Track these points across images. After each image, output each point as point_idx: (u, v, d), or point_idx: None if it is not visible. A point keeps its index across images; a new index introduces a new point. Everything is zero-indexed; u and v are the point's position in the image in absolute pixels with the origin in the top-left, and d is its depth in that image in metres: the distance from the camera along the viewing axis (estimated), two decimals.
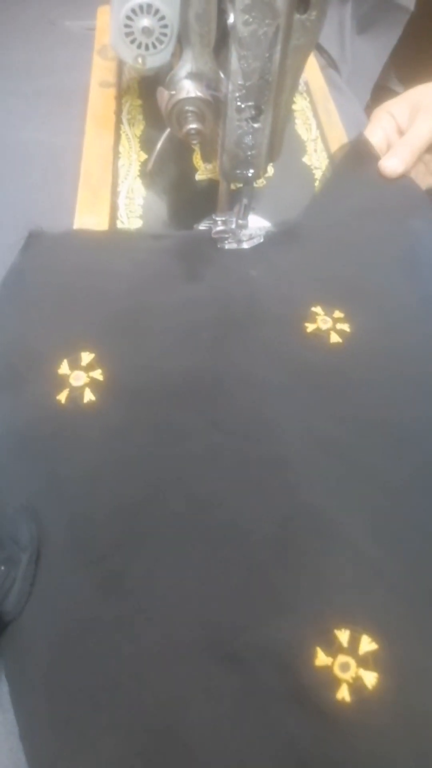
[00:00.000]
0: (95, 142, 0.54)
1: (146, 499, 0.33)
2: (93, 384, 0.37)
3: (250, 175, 0.42)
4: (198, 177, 0.52)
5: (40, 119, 0.66)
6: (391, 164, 0.48)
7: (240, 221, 0.46)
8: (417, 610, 0.29)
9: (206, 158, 0.42)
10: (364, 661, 0.27)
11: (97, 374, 0.37)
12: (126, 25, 0.49)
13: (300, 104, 0.59)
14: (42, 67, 0.74)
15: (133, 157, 0.53)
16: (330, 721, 0.26)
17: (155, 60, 0.51)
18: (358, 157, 0.50)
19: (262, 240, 0.47)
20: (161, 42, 0.50)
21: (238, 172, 0.42)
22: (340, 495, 0.33)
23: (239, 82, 0.37)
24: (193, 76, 0.37)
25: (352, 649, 0.27)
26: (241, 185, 0.44)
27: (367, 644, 0.27)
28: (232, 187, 0.45)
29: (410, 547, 0.31)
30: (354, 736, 0.26)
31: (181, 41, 0.37)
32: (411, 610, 0.29)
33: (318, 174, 0.54)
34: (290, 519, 0.32)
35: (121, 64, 0.61)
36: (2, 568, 0.33)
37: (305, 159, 0.55)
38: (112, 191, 0.51)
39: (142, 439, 0.35)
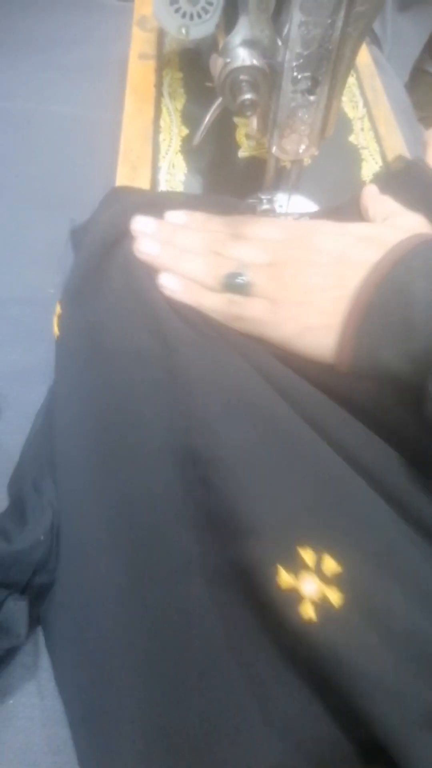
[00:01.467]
0: (135, 116, 0.52)
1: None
2: None
3: (301, 151, 0.40)
4: (241, 154, 0.51)
5: (75, 93, 0.65)
6: None
7: (287, 200, 0.44)
8: (379, 536, 0.28)
9: (256, 132, 0.41)
10: (329, 579, 0.27)
11: None
12: None
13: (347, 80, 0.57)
14: (75, 39, 0.73)
15: (174, 132, 0.51)
16: (294, 639, 0.26)
17: (199, 30, 0.49)
18: (413, 179, 0.46)
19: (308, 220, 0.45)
20: (206, 11, 0.48)
21: (288, 147, 0.40)
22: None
23: (297, 51, 0.35)
24: (249, 43, 0.35)
25: (317, 567, 0.27)
26: (289, 162, 0.42)
27: (331, 565, 0.27)
28: (281, 164, 0.43)
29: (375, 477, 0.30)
30: (322, 660, 0.26)
31: (238, 6, 0.35)
32: (374, 536, 0.28)
33: (365, 154, 0.52)
34: None
35: (161, 36, 0.59)
36: (42, 538, 0.32)
37: (352, 138, 0.53)
38: (152, 167, 0.49)
39: None
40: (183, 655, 0.28)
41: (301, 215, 0.45)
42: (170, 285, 0.37)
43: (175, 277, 0.37)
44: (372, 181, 0.44)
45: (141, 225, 0.39)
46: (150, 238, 0.38)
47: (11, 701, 0.32)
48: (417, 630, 0.26)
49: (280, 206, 0.44)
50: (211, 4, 0.48)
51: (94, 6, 0.77)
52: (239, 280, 0.35)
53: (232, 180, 0.49)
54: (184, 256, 0.37)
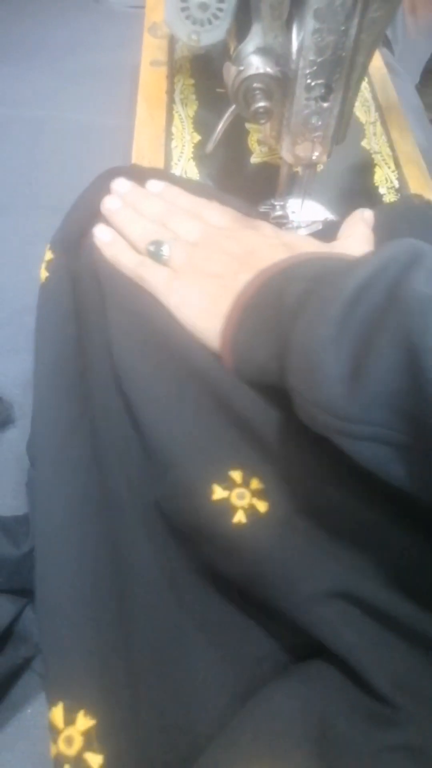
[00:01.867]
0: (147, 123, 0.52)
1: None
2: None
3: (314, 158, 0.40)
4: (253, 160, 0.51)
5: (86, 100, 0.65)
6: None
7: (299, 206, 0.44)
8: (299, 458, 0.31)
9: (269, 139, 0.40)
10: (255, 493, 0.30)
11: None
12: (182, 1, 0.47)
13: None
14: (86, 46, 0.73)
15: (186, 138, 0.51)
16: (228, 541, 0.29)
17: (210, 37, 0.49)
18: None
19: (320, 227, 0.45)
20: (217, 18, 0.48)
21: (301, 154, 0.40)
22: None
23: (311, 58, 0.35)
24: (262, 51, 0.35)
25: (246, 485, 0.31)
26: (301, 168, 0.42)
27: (257, 484, 0.31)
28: (293, 170, 0.43)
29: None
30: (250, 553, 0.29)
31: (251, 14, 0.35)
32: (295, 459, 0.31)
33: (377, 159, 0.51)
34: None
35: (172, 43, 0.59)
36: None
37: (364, 143, 0.52)
38: None
39: None
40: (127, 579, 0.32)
41: (313, 223, 0.45)
42: (101, 236, 0.40)
43: (110, 231, 0.40)
44: (378, 209, 0.42)
45: (117, 185, 0.43)
46: (117, 196, 0.42)
47: (29, 710, 0.32)
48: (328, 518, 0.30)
49: (293, 212, 0.44)
50: (221, 10, 0.48)
51: (105, 13, 0.78)
52: (160, 250, 0.38)
53: (244, 186, 0.49)
54: (132, 219, 0.41)
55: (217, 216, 0.41)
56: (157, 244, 0.38)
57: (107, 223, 0.41)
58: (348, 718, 0.26)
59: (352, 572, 0.29)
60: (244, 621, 0.31)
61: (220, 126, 0.40)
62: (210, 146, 0.41)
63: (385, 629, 0.28)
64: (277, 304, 0.30)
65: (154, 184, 0.43)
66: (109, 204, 0.42)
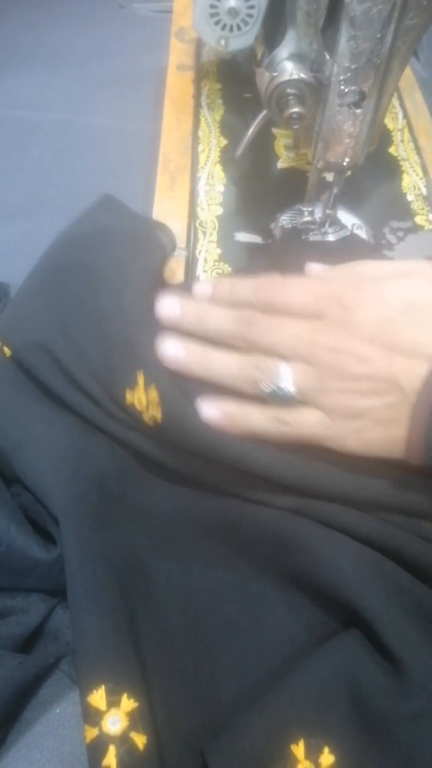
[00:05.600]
0: (173, 127, 0.53)
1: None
2: None
3: (345, 164, 0.40)
4: (280, 165, 0.51)
5: (112, 104, 0.65)
6: None
7: (328, 212, 0.44)
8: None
9: (299, 144, 0.41)
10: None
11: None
12: (212, 6, 0.48)
13: None
14: (112, 51, 0.74)
15: (212, 143, 0.52)
16: None
17: (238, 42, 0.49)
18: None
19: (348, 233, 0.45)
20: (246, 23, 0.49)
21: (333, 160, 0.40)
22: None
23: (345, 65, 0.35)
24: (296, 56, 0.35)
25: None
26: (332, 174, 0.42)
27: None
28: (322, 175, 0.43)
29: None
30: None
31: (285, 20, 0.35)
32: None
33: (405, 165, 0.51)
34: None
35: (199, 47, 0.60)
36: None
37: (392, 150, 0.53)
38: (191, 177, 0.49)
39: None
40: None
41: (341, 229, 0.45)
42: (212, 416, 0.32)
43: (216, 407, 0.32)
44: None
45: (165, 310, 0.34)
46: (174, 334, 0.34)
47: (57, 710, 0.32)
48: None
49: (321, 218, 0.44)
50: (251, 16, 0.48)
51: (130, 18, 0.78)
52: (282, 393, 0.31)
53: (270, 191, 0.49)
54: (214, 359, 0.33)
55: (301, 296, 0.32)
56: (274, 383, 0.30)
57: (181, 372, 0.33)
58: (375, 686, 0.29)
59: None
60: (276, 596, 0.33)
61: (251, 130, 0.40)
62: (240, 150, 0.41)
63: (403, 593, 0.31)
64: None
65: (201, 288, 0.36)
66: (171, 353, 0.33)
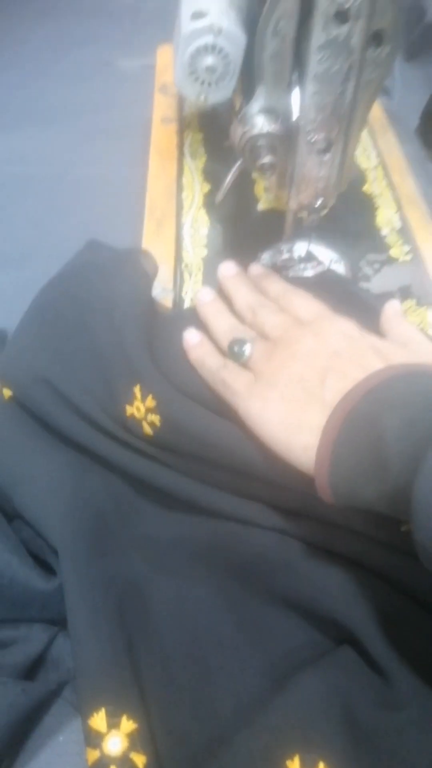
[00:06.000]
0: (159, 176, 0.56)
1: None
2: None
3: (317, 205, 0.43)
4: (260, 207, 0.54)
5: (101, 156, 0.69)
6: None
7: (305, 250, 0.47)
8: None
9: (275, 189, 0.43)
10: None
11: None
12: (190, 64, 0.51)
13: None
14: (100, 106, 0.78)
15: (196, 189, 0.55)
16: None
17: (217, 96, 0.53)
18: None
19: (325, 269, 0.47)
20: (223, 79, 0.52)
21: (306, 202, 0.42)
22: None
23: (311, 116, 0.38)
24: (266, 111, 0.38)
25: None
26: (306, 215, 0.45)
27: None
28: (298, 216, 0.46)
29: None
30: None
31: (255, 78, 0.38)
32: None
33: (379, 201, 0.54)
34: None
35: (181, 101, 0.64)
36: None
37: (366, 187, 0.56)
38: (176, 222, 0.52)
39: None
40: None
41: (318, 264, 0.48)
42: (188, 339, 0.40)
43: (198, 335, 0.40)
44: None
45: (223, 268, 0.44)
46: (219, 281, 0.43)
47: (61, 738, 0.33)
48: None
49: (299, 255, 0.47)
50: (228, 72, 0.51)
51: (117, 75, 0.83)
52: (242, 350, 0.37)
53: (252, 232, 0.52)
54: (219, 313, 0.41)
55: (305, 307, 0.39)
56: (240, 343, 0.37)
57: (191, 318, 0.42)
58: (366, 700, 0.30)
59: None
60: (270, 616, 0.34)
61: (229, 178, 0.43)
62: (219, 196, 0.44)
63: (388, 608, 0.32)
64: (373, 436, 0.28)
65: (255, 267, 0.44)
66: (202, 295, 0.42)
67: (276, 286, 0.42)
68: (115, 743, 0.29)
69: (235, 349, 0.37)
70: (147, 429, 0.36)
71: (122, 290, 0.42)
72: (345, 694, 0.30)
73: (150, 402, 0.36)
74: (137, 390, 0.37)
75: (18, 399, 0.41)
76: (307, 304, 0.39)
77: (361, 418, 0.29)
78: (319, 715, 0.30)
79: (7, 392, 0.41)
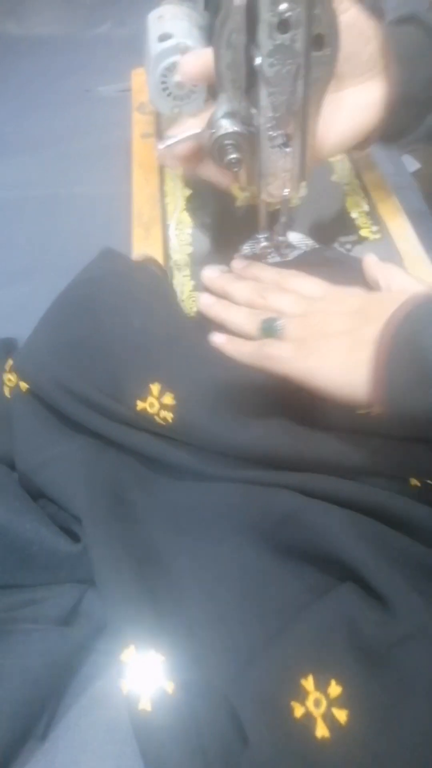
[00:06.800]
0: (143, 186, 0.61)
1: None
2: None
3: (285, 194, 0.47)
4: (238, 204, 0.58)
5: (89, 175, 0.74)
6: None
7: (281, 237, 0.51)
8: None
9: (244, 184, 0.48)
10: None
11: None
12: (162, 82, 0.56)
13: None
14: (83, 129, 0.83)
15: (177, 194, 0.59)
16: None
17: (189, 108, 0.58)
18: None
19: (303, 250, 0.52)
20: (194, 92, 0.57)
21: (274, 192, 0.47)
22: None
23: (269, 115, 0.42)
24: (229, 114, 0.43)
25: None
26: (278, 204, 0.49)
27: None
28: (270, 207, 0.50)
29: None
30: None
31: (216, 87, 0.43)
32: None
33: (347, 189, 0.59)
34: None
35: (158, 116, 0.69)
36: None
37: (334, 177, 0.60)
38: (162, 225, 0.57)
39: None
40: None
41: (296, 249, 0.52)
42: (217, 340, 0.41)
43: (222, 334, 0.42)
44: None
45: (205, 278, 0.49)
46: (208, 289, 0.48)
47: (99, 683, 0.37)
48: None
49: (276, 241, 0.51)
50: (196, 86, 0.57)
51: (97, 100, 0.88)
52: (275, 325, 0.40)
53: (233, 227, 0.56)
54: (230, 309, 0.45)
55: (308, 285, 0.45)
56: (269, 321, 0.41)
57: (207, 318, 0.46)
58: (369, 621, 0.34)
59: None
60: (278, 565, 0.39)
61: (181, 137, 0.45)
62: (163, 144, 0.46)
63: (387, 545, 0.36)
64: (417, 350, 0.32)
65: (237, 262, 0.49)
66: (203, 300, 0.47)
67: (267, 272, 0.47)
68: (145, 671, 0.33)
69: (266, 326, 0.41)
70: (159, 421, 0.41)
71: (140, 294, 0.47)
72: (350, 619, 0.34)
73: (168, 399, 0.40)
74: (154, 388, 0.41)
75: (34, 392, 0.45)
76: (308, 282, 0.45)
77: (406, 337, 0.33)
78: (329, 638, 0.34)
79: (24, 385, 0.46)
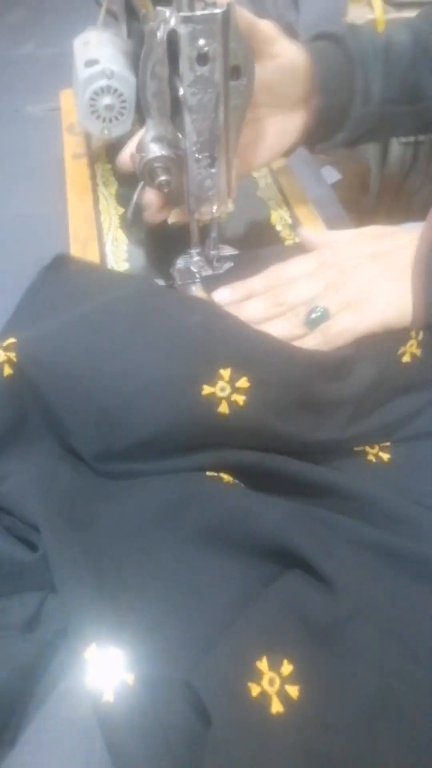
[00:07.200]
0: (77, 206, 0.63)
1: None
2: None
3: (213, 211, 0.50)
4: (170, 221, 0.61)
5: (22, 195, 0.75)
6: None
7: (212, 251, 0.54)
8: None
9: (175, 203, 0.51)
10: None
11: None
12: (91, 105, 0.59)
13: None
14: (14, 149, 0.84)
15: (112, 212, 0.62)
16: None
17: (118, 129, 0.60)
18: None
19: (232, 264, 0.55)
20: (122, 114, 0.60)
21: (203, 210, 0.50)
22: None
23: (194, 139, 0.45)
24: (157, 139, 0.46)
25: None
26: (207, 221, 0.53)
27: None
28: (200, 224, 0.53)
29: None
30: None
31: (143, 114, 0.46)
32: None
33: (272, 203, 0.63)
34: None
35: (88, 137, 0.71)
36: None
37: (259, 192, 0.64)
38: (98, 243, 0.59)
39: None
40: None
41: (226, 262, 0.55)
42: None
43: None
44: None
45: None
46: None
47: (63, 686, 0.38)
48: None
49: (207, 256, 0.55)
50: (125, 108, 0.59)
51: (27, 119, 0.89)
52: (317, 312, 0.43)
53: (165, 243, 0.59)
54: (276, 324, 0.46)
55: (294, 268, 0.48)
56: (309, 313, 0.44)
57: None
58: (315, 604, 0.36)
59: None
60: (228, 560, 0.41)
61: (135, 197, 0.50)
62: (129, 214, 0.51)
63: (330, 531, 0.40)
64: None
65: (220, 294, 0.50)
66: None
67: (257, 283, 0.49)
68: (106, 666, 0.35)
69: (315, 317, 0.43)
70: (221, 409, 0.41)
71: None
72: (298, 603, 0.37)
73: (243, 383, 0.41)
74: (225, 372, 0.41)
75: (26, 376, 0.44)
76: (297, 264, 0.48)
77: None
78: (279, 622, 0.37)
79: (7, 370, 0.44)
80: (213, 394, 0.41)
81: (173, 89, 0.44)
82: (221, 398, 0.41)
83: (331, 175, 1.09)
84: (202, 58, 0.41)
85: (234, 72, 0.43)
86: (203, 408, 0.41)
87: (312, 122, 0.52)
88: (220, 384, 0.41)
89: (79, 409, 0.42)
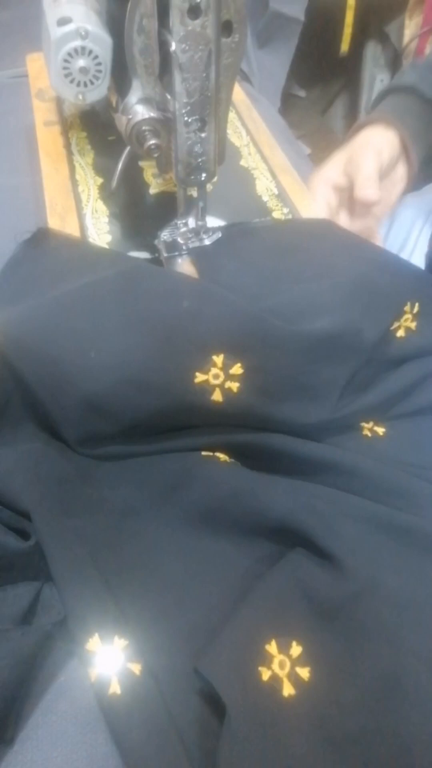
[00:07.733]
0: (53, 176, 0.59)
1: None
2: None
3: (203, 179, 0.48)
4: (152, 191, 0.58)
5: None
6: (369, 193, 0.54)
7: (200, 222, 0.52)
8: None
9: (163, 170, 0.48)
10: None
11: None
12: (64, 68, 0.55)
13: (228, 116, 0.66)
14: None
15: (90, 183, 0.59)
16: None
17: (93, 95, 0.57)
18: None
19: (220, 234, 0.53)
20: (97, 78, 0.56)
21: (192, 177, 0.48)
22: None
23: (184, 101, 0.43)
24: (144, 100, 0.43)
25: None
26: (195, 190, 0.50)
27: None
28: (188, 192, 0.51)
29: None
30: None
31: (129, 73, 0.43)
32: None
33: (256, 173, 0.61)
34: None
35: (60, 103, 0.67)
36: None
37: (242, 162, 0.62)
38: (78, 215, 0.56)
39: None
40: None
41: (213, 232, 0.53)
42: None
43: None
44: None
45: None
46: None
47: (62, 678, 0.36)
48: None
49: (194, 226, 0.52)
50: (100, 71, 0.56)
51: None
52: None
53: (148, 214, 0.57)
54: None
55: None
56: None
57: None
58: (321, 582, 0.36)
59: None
60: (227, 540, 0.40)
61: (120, 165, 0.47)
62: (114, 183, 0.49)
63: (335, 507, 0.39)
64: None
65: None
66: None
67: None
68: (111, 657, 0.33)
69: None
70: (215, 397, 0.40)
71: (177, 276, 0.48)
72: (303, 582, 0.36)
73: (236, 369, 0.40)
74: (217, 359, 0.40)
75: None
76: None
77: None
78: (285, 603, 0.36)
79: None
80: (206, 381, 0.40)
81: (161, 45, 0.41)
82: (215, 386, 0.40)
83: (301, 150, 1.07)
84: (194, 11, 0.38)
85: (225, 28, 0.41)
86: (196, 396, 0.40)
87: (415, 170, 0.58)
88: (214, 371, 0.40)
89: (63, 394, 0.40)
